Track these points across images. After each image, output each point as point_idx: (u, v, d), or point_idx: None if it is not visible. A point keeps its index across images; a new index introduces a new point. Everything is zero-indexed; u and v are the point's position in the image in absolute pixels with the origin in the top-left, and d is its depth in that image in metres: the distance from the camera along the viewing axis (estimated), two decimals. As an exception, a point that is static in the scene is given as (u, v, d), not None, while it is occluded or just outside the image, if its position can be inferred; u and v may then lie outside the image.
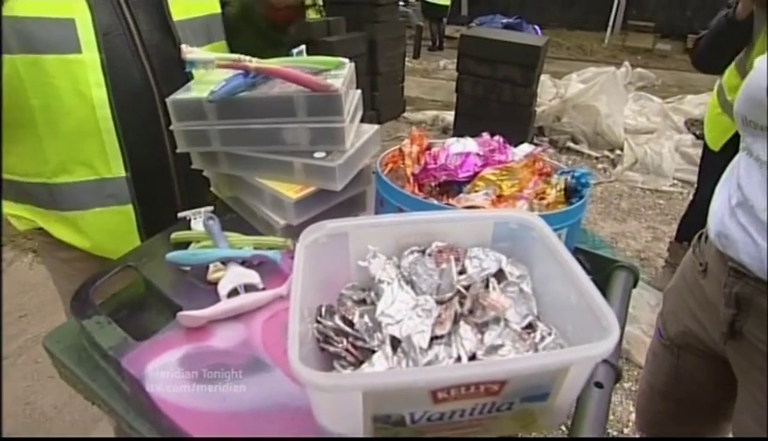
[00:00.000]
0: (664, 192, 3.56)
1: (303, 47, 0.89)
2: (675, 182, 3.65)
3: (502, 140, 0.82)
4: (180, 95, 0.76)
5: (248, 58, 0.76)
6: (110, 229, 0.87)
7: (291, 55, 0.88)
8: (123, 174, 0.84)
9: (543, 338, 0.50)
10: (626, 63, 5.98)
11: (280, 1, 0.91)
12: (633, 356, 1.96)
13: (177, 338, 0.60)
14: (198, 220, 0.78)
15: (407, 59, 5.25)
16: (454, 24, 8.70)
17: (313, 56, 0.82)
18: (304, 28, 3.90)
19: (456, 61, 4.09)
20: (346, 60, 0.82)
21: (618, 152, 4.13)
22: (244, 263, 0.68)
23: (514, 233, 0.58)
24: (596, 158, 4.10)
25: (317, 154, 0.73)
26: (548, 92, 4.89)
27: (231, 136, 0.75)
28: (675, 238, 2.50)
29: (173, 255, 0.67)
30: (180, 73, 0.85)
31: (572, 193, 0.74)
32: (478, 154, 0.71)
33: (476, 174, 0.70)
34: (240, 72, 0.75)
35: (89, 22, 0.75)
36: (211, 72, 0.80)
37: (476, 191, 0.67)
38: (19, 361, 2.07)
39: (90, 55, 0.76)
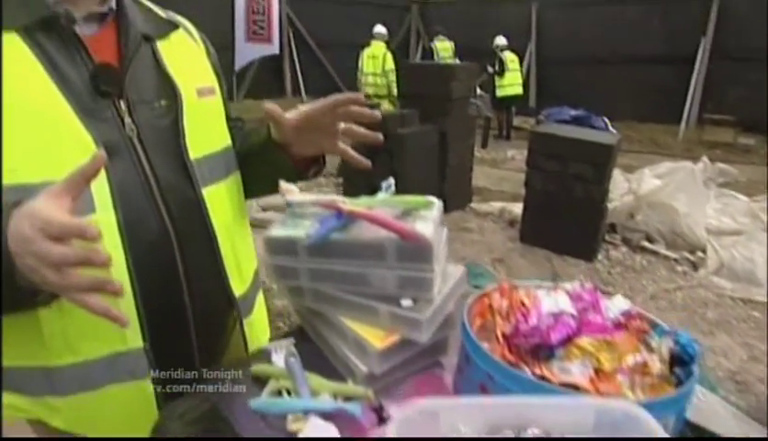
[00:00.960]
0: (759, 303, 3.24)
1: (392, 181, 0.92)
2: (773, 293, 3.33)
3: (593, 288, 0.78)
4: (275, 232, 0.79)
5: (342, 199, 0.79)
6: (124, 409, 0.74)
7: (380, 188, 0.91)
8: (141, 344, 0.72)
9: None
10: (705, 158, 5.75)
11: (300, 153, 0.88)
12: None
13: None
14: (280, 353, 0.79)
15: (475, 148, 5.35)
16: (522, 115, 8.88)
17: (402, 196, 0.85)
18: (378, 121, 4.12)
19: (524, 152, 4.13)
20: (435, 199, 0.84)
21: (700, 254, 3.87)
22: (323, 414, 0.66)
23: (617, 424, 0.53)
24: (675, 260, 3.86)
25: (404, 302, 0.72)
26: (620, 186, 4.75)
27: (318, 274, 0.77)
28: (778, 364, 2.24)
29: (256, 404, 0.67)
30: (197, 215, 0.79)
31: (676, 360, 0.68)
32: (572, 316, 0.68)
33: (569, 337, 0.66)
34: (333, 212, 0.78)
35: (104, 179, 0.67)
36: (302, 209, 0.84)
37: (570, 359, 0.64)
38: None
39: (105, 215, 0.67)
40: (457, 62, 8.17)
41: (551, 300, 0.71)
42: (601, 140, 3.94)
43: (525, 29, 10.31)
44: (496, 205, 4.74)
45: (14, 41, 0.64)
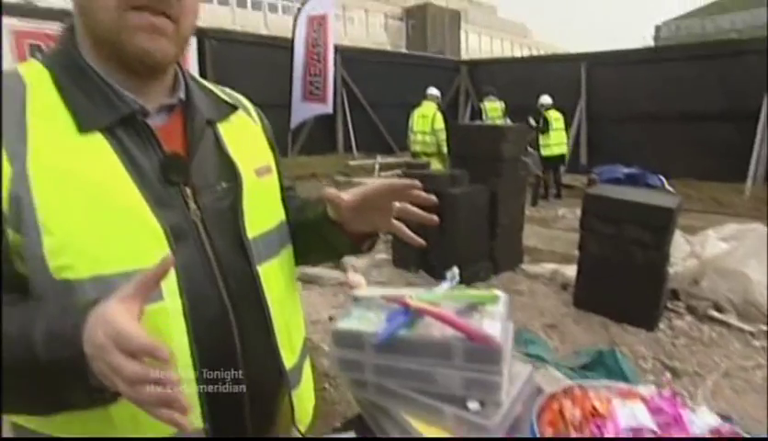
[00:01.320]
0: None
1: (456, 271, 0.92)
2: None
3: (673, 396, 0.74)
4: (342, 324, 0.81)
5: (408, 294, 0.80)
6: None
7: (445, 277, 0.92)
8: (201, 425, 0.74)
9: None
10: (777, 220, 5.40)
11: (354, 230, 0.89)
12: None
13: None
14: (342, 448, 0.78)
15: (525, 207, 5.28)
16: (573, 172, 8.76)
17: (468, 290, 0.85)
18: (428, 180, 4.16)
19: (575, 210, 4.04)
20: (501, 293, 0.83)
21: (780, 327, 3.57)
22: None
23: None
24: (750, 333, 3.56)
25: (470, 405, 0.71)
26: (681, 249, 4.50)
27: (384, 370, 0.78)
28: None
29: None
30: (253, 292, 0.80)
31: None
32: (653, 432, 0.64)
33: (652, 457, 0.62)
34: (400, 308, 0.79)
35: (172, 268, 0.68)
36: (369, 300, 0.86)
37: (655, 484, 0.60)
38: None
39: (172, 302, 0.70)
40: (507, 121, 8.25)
41: (628, 411, 0.68)
42: (660, 202, 3.79)
43: (574, 87, 10.34)
44: (548, 266, 4.60)
45: (99, 142, 0.70)
